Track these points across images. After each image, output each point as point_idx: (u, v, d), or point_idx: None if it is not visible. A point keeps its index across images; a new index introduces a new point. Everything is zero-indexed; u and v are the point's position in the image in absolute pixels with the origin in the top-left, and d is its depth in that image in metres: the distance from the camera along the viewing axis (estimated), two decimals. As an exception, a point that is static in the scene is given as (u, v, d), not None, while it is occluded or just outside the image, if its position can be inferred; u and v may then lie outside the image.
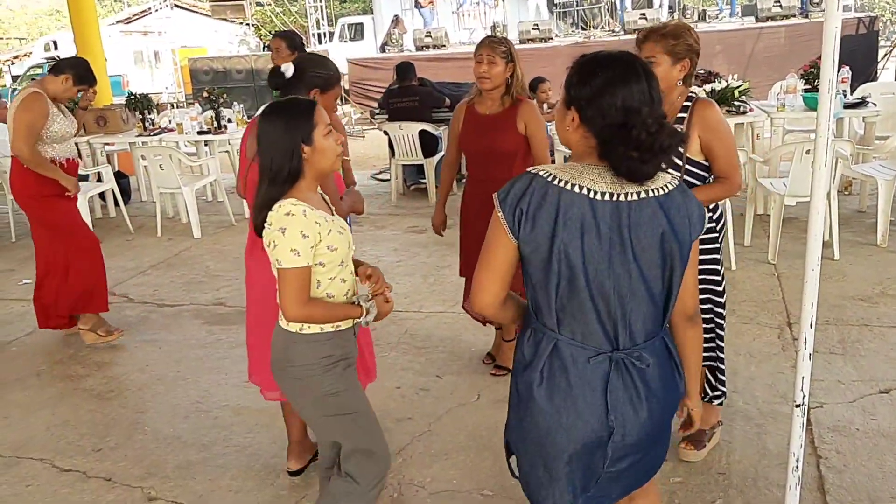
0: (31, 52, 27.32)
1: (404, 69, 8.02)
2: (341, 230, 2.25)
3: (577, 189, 1.68)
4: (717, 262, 2.98)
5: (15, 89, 20.00)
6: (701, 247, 2.85)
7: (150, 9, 24.48)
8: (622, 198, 1.68)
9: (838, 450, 3.13)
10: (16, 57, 29.23)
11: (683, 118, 2.78)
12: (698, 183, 2.81)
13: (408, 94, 7.95)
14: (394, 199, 8.07)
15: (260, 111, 2.31)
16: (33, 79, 14.49)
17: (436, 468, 3.20)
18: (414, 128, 7.64)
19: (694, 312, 1.90)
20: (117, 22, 25.68)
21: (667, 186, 1.73)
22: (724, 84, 6.27)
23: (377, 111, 8.86)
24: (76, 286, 4.60)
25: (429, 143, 7.76)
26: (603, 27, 16.96)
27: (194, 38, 24.19)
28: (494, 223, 1.77)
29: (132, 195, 8.66)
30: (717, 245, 2.98)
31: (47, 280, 4.62)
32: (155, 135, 7.86)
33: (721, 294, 3.03)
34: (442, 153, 7.91)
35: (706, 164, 2.81)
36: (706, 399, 3.14)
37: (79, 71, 4.43)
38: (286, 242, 2.10)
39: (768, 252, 5.40)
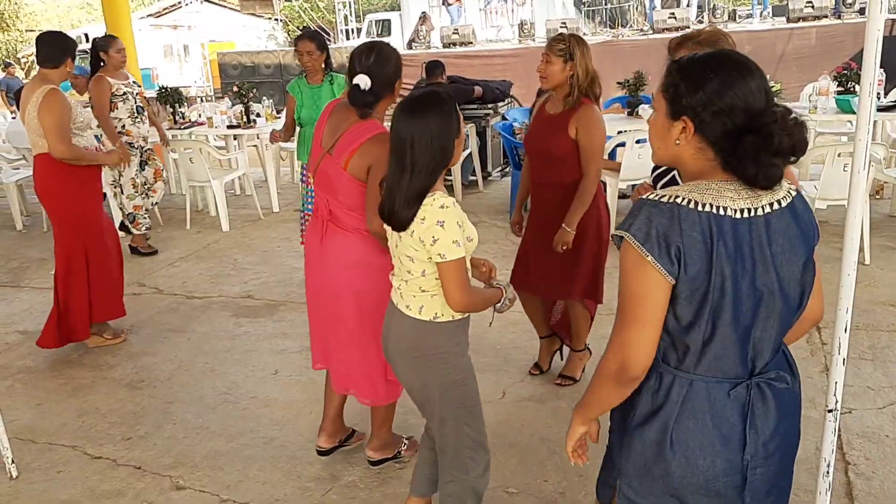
0: (62, 45, 27.65)
1: (432, 67, 7.98)
2: None
3: (721, 211, 1.51)
4: None
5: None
6: None
7: (180, 3, 24.69)
8: (759, 212, 1.54)
9: (867, 456, 3.10)
10: (47, 49, 29.60)
11: None
12: None
13: None
14: (420, 195, 8.09)
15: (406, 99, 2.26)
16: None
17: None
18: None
19: (820, 317, 1.79)
20: (148, 16, 25.93)
21: (790, 193, 1.60)
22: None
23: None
24: (98, 290, 4.51)
25: (455, 141, 7.77)
26: (631, 26, 16.87)
27: (223, 32, 24.38)
28: (638, 268, 1.54)
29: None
30: None
31: (69, 284, 4.45)
32: (185, 128, 7.93)
33: None
34: (468, 151, 7.92)
35: None
36: None
37: (70, 48, 4.33)
38: (448, 235, 2.16)
39: (798, 255, 5.34)
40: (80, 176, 4.34)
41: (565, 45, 3.41)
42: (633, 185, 5.47)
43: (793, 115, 1.52)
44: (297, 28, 25.59)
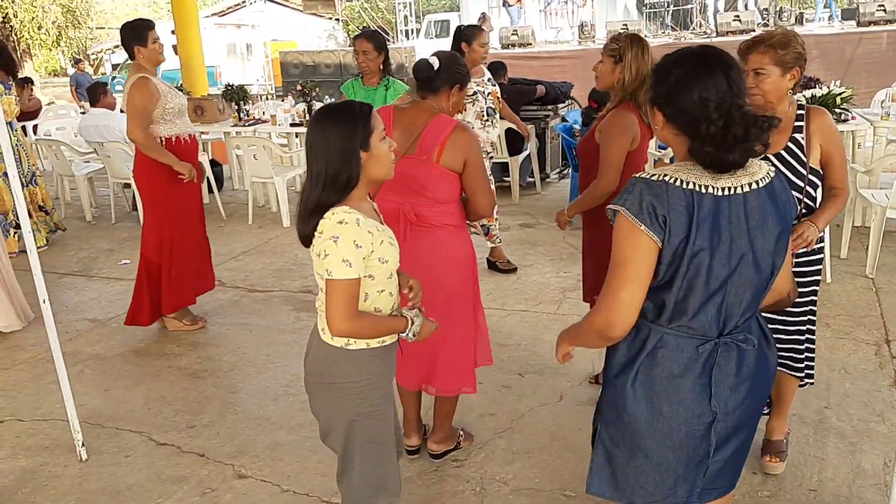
0: (130, 43, 28.39)
1: (494, 68, 7.93)
2: (391, 241, 2.16)
3: (700, 189, 1.72)
4: (818, 282, 2.96)
5: (114, 77, 20.87)
6: (809, 258, 2.83)
7: (244, 2, 25.17)
8: (738, 190, 1.74)
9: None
10: (116, 46, 30.47)
11: (801, 126, 2.72)
12: (815, 192, 2.79)
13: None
14: (477, 196, 8.10)
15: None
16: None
17: (517, 465, 3.22)
18: (500, 126, 7.63)
19: (787, 297, 1.98)
20: (212, 14, 26.51)
21: (769, 175, 1.80)
22: (825, 90, 6.06)
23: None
24: (183, 276, 4.73)
25: (514, 142, 7.74)
26: (694, 28, 16.60)
27: (285, 31, 24.76)
28: (630, 236, 1.74)
29: (224, 183, 8.95)
30: (820, 267, 2.97)
31: (155, 268, 4.68)
32: (250, 125, 8.09)
33: (815, 309, 3.01)
34: (527, 152, 7.89)
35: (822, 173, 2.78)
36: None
37: (140, 32, 4.41)
38: (338, 252, 2.00)
39: (866, 266, 5.21)
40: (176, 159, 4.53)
41: (618, 45, 3.30)
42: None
43: (738, 108, 1.68)
44: (357, 28, 25.86)
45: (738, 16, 14.99)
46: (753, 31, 14.61)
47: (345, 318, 2.05)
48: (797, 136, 2.72)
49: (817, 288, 2.95)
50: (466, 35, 5.25)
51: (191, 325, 4.85)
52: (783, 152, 2.71)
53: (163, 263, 4.67)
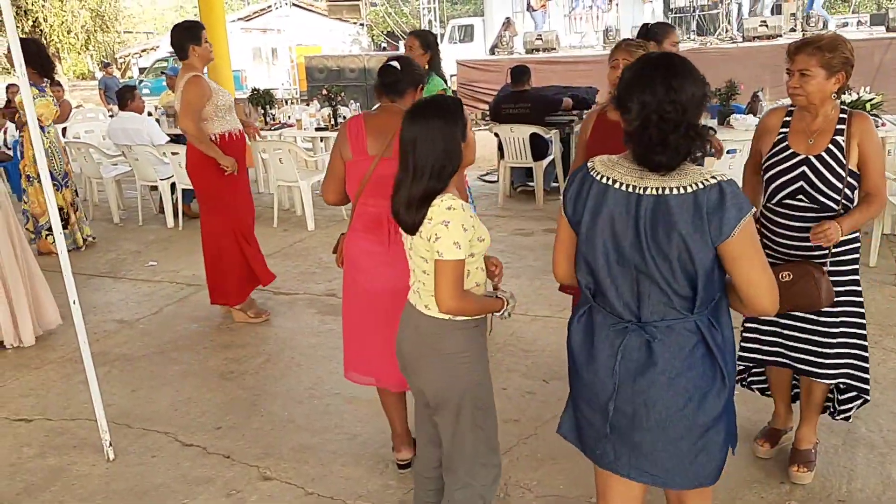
0: (157, 46, 28.77)
1: (519, 72, 7.93)
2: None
3: (604, 180, 1.94)
4: (857, 283, 2.94)
5: (141, 80, 21.11)
6: (842, 268, 2.81)
7: (270, 7, 25.36)
8: (640, 191, 1.88)
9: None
10: (143, 50, 30.87)
11: (842, 130, 2.76)
12: (853, 194, 2.80)
13: (520, 101, 7.81)
14: (500, 200, 8.10)
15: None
16: (163, 72, 15.19)
17: (542, 472, 3.21)
18: (525, 130, 7.64)
19: (770, 312, 1.94)
20: (238, 19, 26.72)
21: (690, 187, 1.84)
22: (855, 96, 6.00)
23: (489, 112, 8.84)
24: (254, 259, 5.04)
25: (539, 147, 7.74)
26: (720, 34, 16.50)
27: (310, 36, 24.91)
28: (560, 207, 2.08)
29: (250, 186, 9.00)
30: (856, 266, 2.95)
31: (226, 254, 4.93)
32: (275, 129, 8.15)
33: (862, 313, 2.96)
34: (551, 156, 7.88)
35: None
36: (832, 415, 3.13)
37: (195, 32, 4.64)
38: (449, 235, 2.18)
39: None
40: (226, 153, 4.73)
41: (645, 50, 3.27)
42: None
43: (670, 117, 1.80)
44: (381, 33, 25.99)
45: (764, 21, 14.86)
46: (780, 36, 14.49)
47: (453, 296, 2.22)
48: (838, 138, 2.75)
49: (855, 298, 2.93)
50: (657, 33, 4.75)
51: (255, 318, 5.00)
52: (824, 154, 2.75)
53: (222, 253, 4.91)
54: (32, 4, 27.51)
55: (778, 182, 2.84)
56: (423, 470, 2.65)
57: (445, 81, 4.98)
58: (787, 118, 2.88)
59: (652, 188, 1.87)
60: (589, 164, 1.99)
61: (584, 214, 1.96)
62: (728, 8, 17.14)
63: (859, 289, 2.93)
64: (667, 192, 1.85)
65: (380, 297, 2.97)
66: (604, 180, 1.94)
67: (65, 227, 6.33)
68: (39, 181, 6.11)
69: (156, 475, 3.32)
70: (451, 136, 2.23)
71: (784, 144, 2.84)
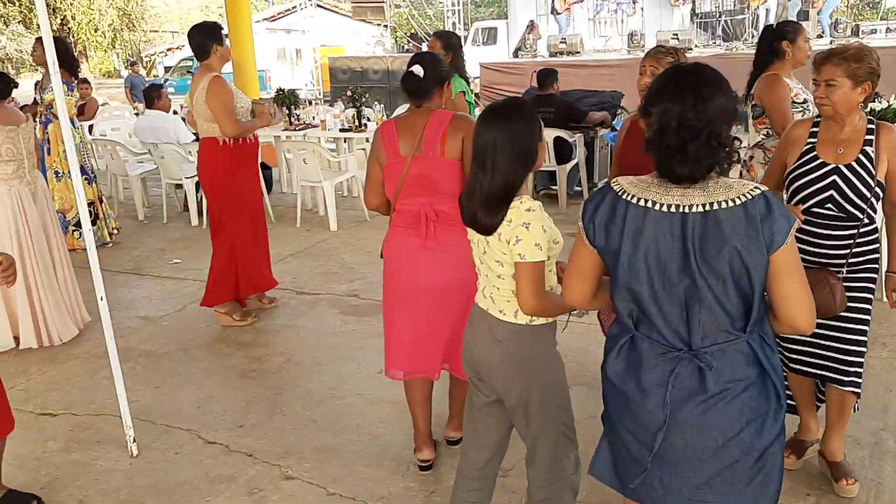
0: (182, 45, 28.98)
1: (545, 76, 7.88)
2: None
3: (641, 202, 1.83)
4: (872, 290, 2.93)
5: (166, 79, 21.28)
6: (859, 267, 2.81)
7: (295, 8, 25.48)
8: (685, 209, 1.78)
9: None
10: (168, 49, 31.15)
11: (871, 140, 2.76)
12: (877, 204, 2.79)
13: (544, 104, 7.73)
14: (523, 204, 8.07)
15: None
16: (188, 71, 15.33)
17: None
18: (549, 134, 7.60)
19: (807, 330, 1.88)
20: (263, 19, 26.88)
21: (738, 199, 1.77)
22: (885, 104, 5.92)
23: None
24: (254, 265, 5.01)
25: (562, 150, 7.70)
26: (746, 39, 16.35)
27: (334, 37, 25.00)
28: (578, 232, 1.97)
29: (273, 186, 9.05)
30: (874, 275, 2.93)
31: (230, 258, 4.91)
32: (300, 130, 8.18)
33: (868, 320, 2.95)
34: (575, 160, 7.85)
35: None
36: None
37: (217, 32, 4.68)
38: (531, 237, 2.20)
39: (925, 284, 5.05)
40: (238, 158, 4.75)
41: (674, 58, 3.27)
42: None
43: (692, 127, 1.74)
44: (405, 34, 26.04)
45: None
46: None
47: (536, 297, 2.23)
48: (867, 149, 2.76)
49: (868, 305, 2.92)
50: (788, 32, 4.21)
51: (241, 321, 4.96)
52: (854, 164, 2.75)
53: (229, 253, 4.90)
54: (61, 3, 27.83)
55: (807, 191, 2.83)
56: (468, 471, 2.66)
57: (468, 83, 4.96)
58: (815, 129, 2.88)
59: (698, 205, 1.78)
60: (616, 187, 1.89)
61: (623, 241, 1.85)
62: (755, 14, 16.97)
63: (872, 297, 2.94)
64: (715, 206, 1.77)
65: (420, 292, 3.07)
66: (641, 202, 1.84)
67: (93, 223, 6.39)
68: (69, 177, 6.18)
69: (178, 472, 3.34)
70: (531, 135, 2.25)
71: (812, 154, 2.83)
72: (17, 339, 4.71)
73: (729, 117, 1.81)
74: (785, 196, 2.94)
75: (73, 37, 28.54)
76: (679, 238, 1.79)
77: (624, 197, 1.86)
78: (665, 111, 1.78)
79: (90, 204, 6.54)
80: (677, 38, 14.94)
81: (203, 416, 3.83)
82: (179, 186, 7.99)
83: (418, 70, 3.01)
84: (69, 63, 6.25)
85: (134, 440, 3.48)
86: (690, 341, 1.85)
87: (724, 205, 1.76)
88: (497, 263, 2.31)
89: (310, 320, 5.05)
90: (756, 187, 1.78)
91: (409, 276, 3.09)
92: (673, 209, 1.79)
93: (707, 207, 1.77)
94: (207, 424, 3.74)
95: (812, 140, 2.86)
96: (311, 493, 3.15)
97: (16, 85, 4.81)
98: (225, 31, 4.75)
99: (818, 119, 2.89)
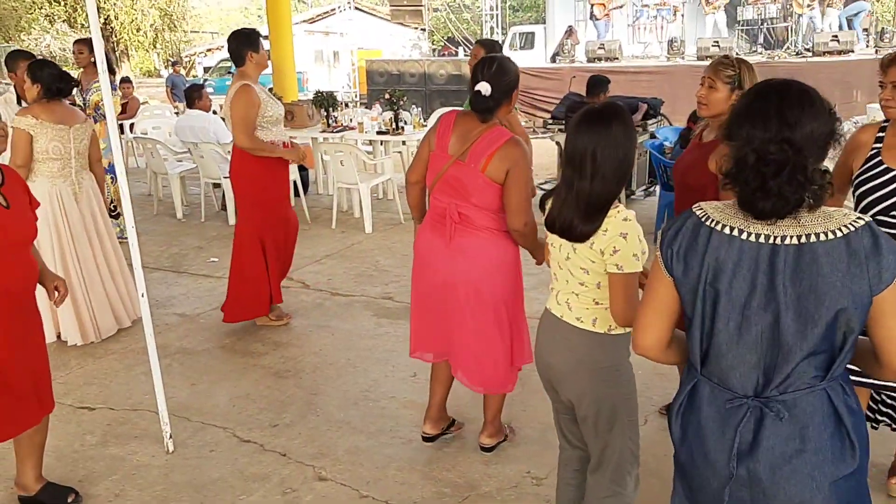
0: (221, 46, 29.33)
1: (596, 84, 7.71)
2: None
3: (726, 230, 1.65)
4: None
5: (206, 80, 21.55)
6: None
7: (333, 10, 25.64)
8: (777, 241, 1.59)
9: None
10: (208, 50, 31.54)
11: None
12: None
13: None
14: (559, 210, 8.02)
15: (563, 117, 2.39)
16: (228, 71, 15.48)
17: None
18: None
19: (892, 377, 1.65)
20: (302, 21, 27.10)
21: (839, 231, 1.57)
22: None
23: (550, 121, 8.74)
24: (278, 273, 4.94)
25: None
26: (788, 48, 16.12)
27: (371, 40, 25.12)
28: (655, 260, 1.79)
29: (310, 187, 9.10)
30: None
31: (255, 267, 4.81)
32: (338, 132, 8.22)
33: None
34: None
35: None
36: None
37: (254, 39, 4.63)
38: (629, 248, 2.17)
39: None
40: (268, 167, 4.70)
41: (735, 71, 3.11)
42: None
43: (769, 158, 1.56)
44: (442, 38, 26.06)
45: (836, 36, 14.48)
46: (852, 52, 14.11)
47: (632, 307, 2.16)
48: None
49: None
50: None
51: (277, 321, 4.99)
52: None
53: (266, 258, 4.83)
54: (104, 2, 28.30)
55: (872, 198, 2.74)
56: (564, 472, 2.69)
57: None
58: (881, 133, 2.79)
59: (792, 236, 1.58)
60: (699, 212, 1.70)
61: (703, 272, 1.66)
62: (798, 22, 16.71)
63: None
64: (812, 238, 1.57)
65: (439, 289, 3.19)
66: (726, 230, 1.64)
67: (116, 217, 6.48)
68: (113, 174, 6.27)
69: (213, 469, 3.36)
70: (631, 141, 2.21)
71: (878, 160, 2.75)
72: (59, 335, 4.77)
73: (824, 144, 1.61)
74: (852, 203, 2.86)
75: (116, 36, 29.03)
76: (766, 272, 1.60)
77: (707, 223, 1.68)
78: (747, 140, 1.60)
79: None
80: (718, 46, 14.77)
81: (238, 414, 3.85)
82: (217, 186, 8.06)
83: (486, 89, 2.95)
84: (110, 63, 6.35)
85: (170, 436, 3.51)
86: (760, 388, 1.67)
87: (822, 237, 1.57)
88: (582, 271, 2.28)
89: (344, 322, 5.07)
90: (859, 217, 1.59)
91: (431, 273, 3.20)
92: (763, 239, 1.61)
93: (803, 240, 1.58)
94: (242, 423, 3.76)
95: (878, 145, 2.77)
96: (344, 495, 3.15)
97: (76, 84, 4.77)
98: (265, 35, 4.72)
99: (885, 124, 2.79)
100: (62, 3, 28.73)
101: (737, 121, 1.64)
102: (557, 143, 7.98)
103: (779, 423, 1.64)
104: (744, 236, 1.63)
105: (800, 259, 1.57)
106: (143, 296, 3.36)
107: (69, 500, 3.12)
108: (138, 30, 30.41)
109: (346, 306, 5.36)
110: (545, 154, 9.25)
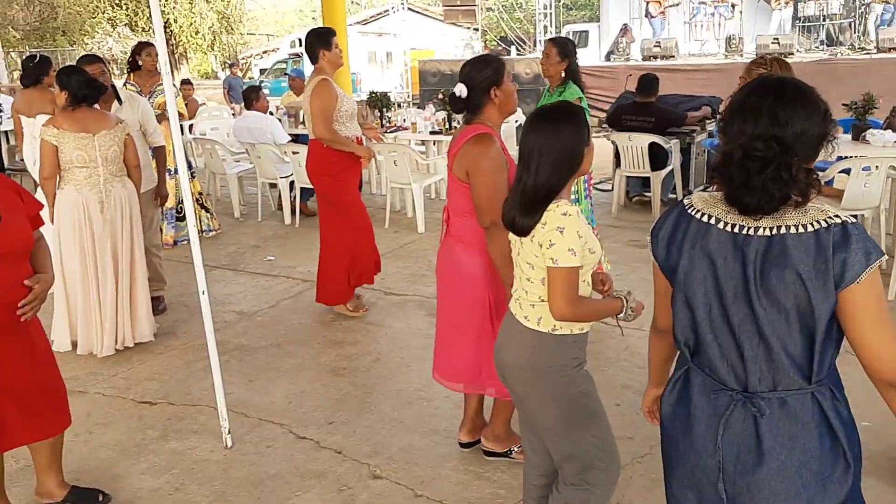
0: (277, 48, 29.80)
1: (647, 83, 7.64)
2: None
3: (704, 218, 1.69)
4: None
5: (261, 81, 21.88)
6: None
7: (387, 11, 25.81)
8: (749, 231, 1.62)
9: None
10: (264, 52, 32.04)
11: None
12: None
13: (643, 113, 7.56)
14: (614, 210, 7.93)
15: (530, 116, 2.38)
16: (285, 73, 15.68)
17: (657, 493, 3.06)
18: (644, 139, 7.45)
19: (890, 378, 1.59)
20: (356, 23, 27.35)
21: (812, 225, 1.57)
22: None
23: (605, 122, 8.64)
24: (361, 260, 5.14)
25: (658, 156, 7.53)
26: (852, 44, 15.68)
27: (424, 40, 25.21)
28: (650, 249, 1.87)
29: (363, 187, 9.16)
30: None
31: (336, 255, 5.05)
32: (391, 132, 8.26)
33: None
34: (670, 167, 7.65)
35: None
36: None
37: (326, 37, 4.79)
38: (565, 242, 2.17)
39: None
40: (343, 161, 4.87)
41: (767, 70, 3.17)
42: (856, 216, 5.05)
43: (755, 154, 1.56)
44: (495, 38, 26.04)
45: (903, 31, 14.05)
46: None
47: (568, 303, 2.19)
48: None
49: None
50: None
51: (355, 311, 5.16)
52: None
53: (333, 255, 5.05)
54: (164, 6, 28.97)
55: None
56: (530, 476, 2.64)
57: (582, 90, 4.91)
58: None
59: (765, 227, 1.60)
60: (686, 202, 1.75)
61: (681, 258, 1.71)
62: (862, 17, 16.24)
63: None
64: (783, 230, 1.58)
65: (439, 296, 3.29)
66: (704, 218, 1.69)
67: (182, 220, 6.62)
68: (176, 173, 6.39)
69: (270, 465, 3.41)
70: (577, 139, 2.22)
71: None
72: (74, 343, 4.61)
73: (815, 144, 1.60)
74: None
75: (175, 39, 29.66)
76: (739, 262, 1.62)
77: (689, 211, 1.73)
78: (737, 134, 1.60)
79: (200, 194, 6.96)
80: (777, 43, 14.46)
81: (294, 410, 3.90)
82: (274, 186, 8.18)
83: (459, 90, 2.95)
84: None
85: (229, 431, 3.57)
86: (747, 382, 1.67)
87: (793, 230, 1.58)
88: (528, 266, 2.30)
89: (397, 321, 5.09)
90: (837, 215, 1.57)
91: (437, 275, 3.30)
92: (737, 229, 1.63)
93: (774, 231, 1.59)
94: (298, 419, 3.80)
95: None
96: (399, 495, 3.16)
97: (103, 91, 4.53)
98: (337, 41, 4.81)
99: None
100: (123, 7, 29.48)
101: (730, 116, 1.65)
102: (613, 143, 7.88)
103: (765, 419, 1.65)
104: (720, 225, 1.66)
105: (770, 250, 1.59)
106: (203, 293, 3.42)
107: (99, 499, 3.14)
108: (197, 32, 31.03)
109: (400, 306, 5.39)
110: (602, 154, 9.13)
